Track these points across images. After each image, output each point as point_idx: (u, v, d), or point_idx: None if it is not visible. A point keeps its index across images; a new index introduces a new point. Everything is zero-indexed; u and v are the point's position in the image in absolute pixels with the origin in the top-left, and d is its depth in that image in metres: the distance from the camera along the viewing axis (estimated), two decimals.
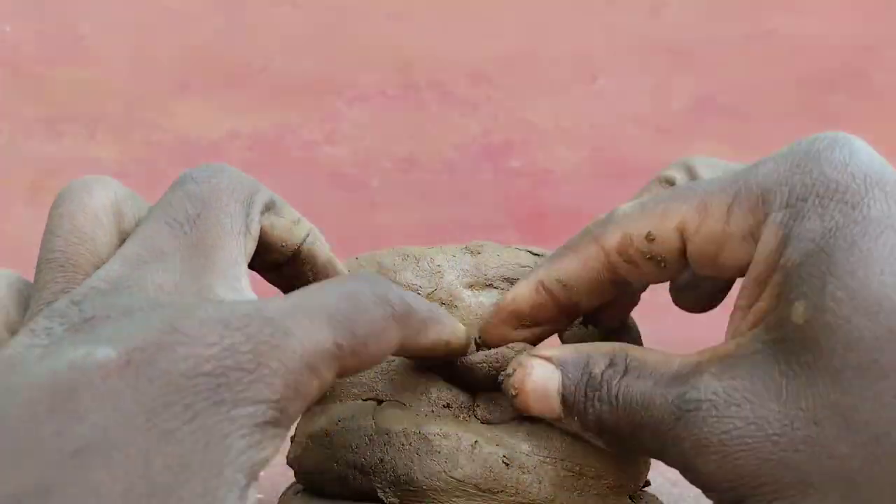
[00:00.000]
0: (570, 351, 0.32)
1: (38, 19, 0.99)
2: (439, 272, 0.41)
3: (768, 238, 0.28)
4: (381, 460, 0.35)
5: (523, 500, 0.34)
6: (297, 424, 0.39)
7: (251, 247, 0.29)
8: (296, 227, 0.33)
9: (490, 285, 0.41)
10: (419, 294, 0.40)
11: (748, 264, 0.28)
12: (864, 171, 0.27)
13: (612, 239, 0.32)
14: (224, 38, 1.00)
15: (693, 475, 0.28)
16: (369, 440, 0.35)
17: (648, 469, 0.37)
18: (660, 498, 0.39)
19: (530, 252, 0.42)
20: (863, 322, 0.24)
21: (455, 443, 0.34)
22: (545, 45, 1.02)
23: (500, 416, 0.37)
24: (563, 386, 0.31)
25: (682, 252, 0.31)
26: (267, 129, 1.01)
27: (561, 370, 0.31)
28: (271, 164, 1.01)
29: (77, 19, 0.99)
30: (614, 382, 0.29)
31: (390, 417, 0.36)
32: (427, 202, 1.02)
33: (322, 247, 0.34)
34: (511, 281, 0.41)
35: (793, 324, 0.25)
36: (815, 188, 0.27)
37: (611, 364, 0.30)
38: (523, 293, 0.35)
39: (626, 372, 0.29)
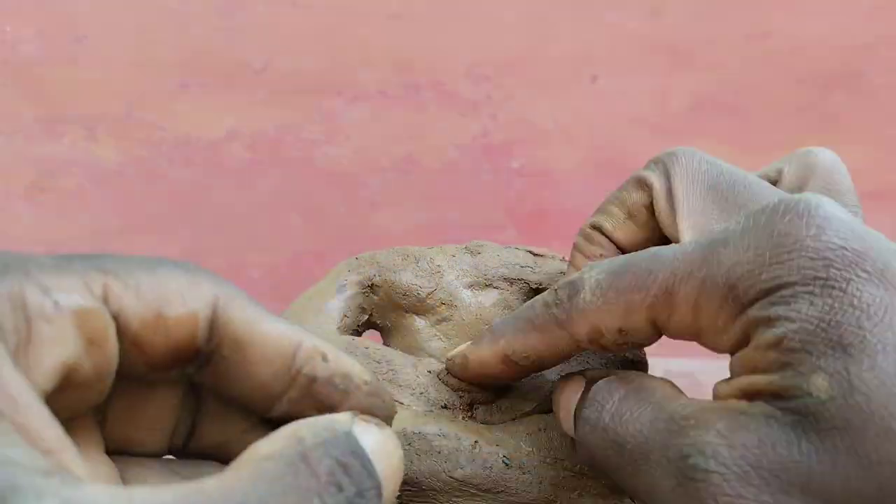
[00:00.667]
0: (599, 373, 0.31)
1: (38, 19, 0.99)
2: (439, 272, 0.41)
3: (749, 331, 0.26)
4: None
5: (523, 500, 0.34)
6: None
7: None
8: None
9: (490, 285, 0.41)
10: (419, 294, 0.40)
11: (731, 348, 0.27)
12: (841, 252, 0.24)
13: (581, 329, 0.30)
14: (224, 38, 1.00)
15: None
16: None
17: None
18: None
19: (530, 252, 0.42)
20: None
21: (455, 443, 0.34)
22: (545, 45, 1.02)
23: (499, 417, 0.37)
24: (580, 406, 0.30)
25: (658, 332, 0.29)
26: (267, 129, 1.01)
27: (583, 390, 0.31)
28: (271, 164, 1.01)
29: (77, 19, 0.99)
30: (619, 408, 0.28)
31: None
32: (427, 202, 1.01)
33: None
34: (511, 281, 0.41)
35: (813, 397, 0.23)
36: (791, 278, 0.25)
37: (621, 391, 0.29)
38: (490, 362, 0.34)
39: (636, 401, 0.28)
